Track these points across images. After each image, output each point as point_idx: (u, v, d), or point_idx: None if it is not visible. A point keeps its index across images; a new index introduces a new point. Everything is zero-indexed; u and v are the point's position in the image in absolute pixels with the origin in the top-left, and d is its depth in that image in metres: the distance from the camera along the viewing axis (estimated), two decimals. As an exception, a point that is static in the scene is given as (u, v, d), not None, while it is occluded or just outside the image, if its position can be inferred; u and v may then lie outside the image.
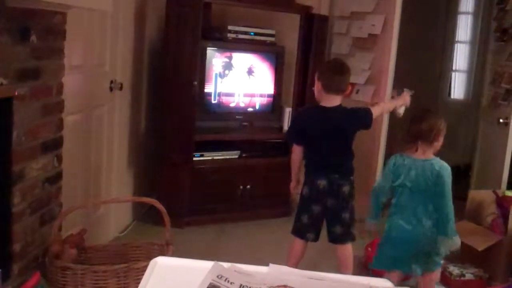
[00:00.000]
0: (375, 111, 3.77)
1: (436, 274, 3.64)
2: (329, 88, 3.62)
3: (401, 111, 3.94)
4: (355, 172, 3.78)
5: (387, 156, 5.38)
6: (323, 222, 3.78)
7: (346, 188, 3.67)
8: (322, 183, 3.65)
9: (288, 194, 5.04)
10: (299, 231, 3.79)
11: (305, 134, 3.73)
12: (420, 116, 3.49)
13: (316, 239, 3.79)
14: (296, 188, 3.97)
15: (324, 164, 3.70)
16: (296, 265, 3.66)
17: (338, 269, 3.73)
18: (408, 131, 3.46)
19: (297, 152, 3.83)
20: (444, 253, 3.46)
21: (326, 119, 3.66)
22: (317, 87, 3.68)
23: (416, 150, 3.40)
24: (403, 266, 3.48)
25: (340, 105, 3.66)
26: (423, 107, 3.87)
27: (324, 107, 3.66)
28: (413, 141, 3.41)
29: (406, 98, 3.95)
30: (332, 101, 3.63)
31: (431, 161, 3.37)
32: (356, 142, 3.76)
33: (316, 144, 3.70)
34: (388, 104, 3.92)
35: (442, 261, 3.59)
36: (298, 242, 3.80)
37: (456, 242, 3.39)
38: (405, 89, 4.01)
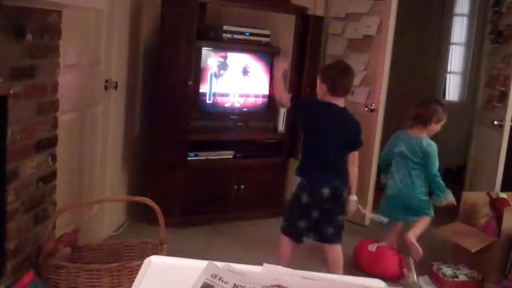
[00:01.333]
0: (356, 162, 3.77)
1: (428, 220, 4.34)
2: (335, 91, 3.62)
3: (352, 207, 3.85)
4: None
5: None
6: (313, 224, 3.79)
7: (345, 194, 3.70)
8: (326, 191, 3.64)
9: (282, 194, 5.06)
10: (295, 235, 3.78)
11: (307, 117, 3.79)
12: (422, 103, 4.45)
13: (308, 237, 3.82)
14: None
15: (327, 171, 3.69)
16: (287, 265, 3.65)
17: (328, 270, 3.73)
18: (411, 113, 4.32)
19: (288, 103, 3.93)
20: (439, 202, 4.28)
21: (333, 119, 3.69)
22: (321, 89, 3.67)
23: (413, 129, 4.28)
24: (397, 216, 4.34)
25: (346, 109, 3.69)
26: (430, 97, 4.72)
27: (333, 104, 3.66)
28: (413, 121, 4.28)
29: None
30: (337, 102, 3.64)
31: (421, 139, 4.23)
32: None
33: (316, 143, 3.69)
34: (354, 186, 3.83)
35: (431, 212, 4.34)
36: (290, 243, 3.80)
37: (447, 197, 4.23)
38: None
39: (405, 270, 4.13)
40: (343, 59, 5.36)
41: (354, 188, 3.78)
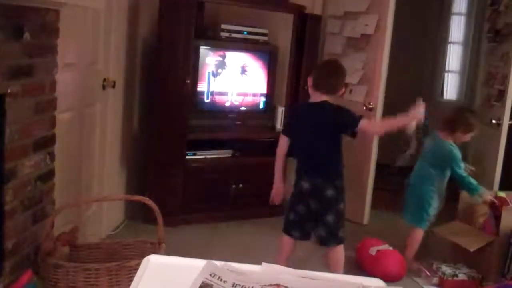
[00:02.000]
0: (374, 125, 3.70)
1: (419, 234, 4.41)
2: (316, 87, 3.64)
3: (412, 127, 3.80)
4: (348, 174, 3.75)
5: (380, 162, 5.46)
6: (309, 222, 3.78)
7: (329, 192, 3.62)
8: (305, 185, 3.65)
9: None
10: (286, 228, 3.81)
11: (293, 128, 3.78)
12: (457, 109, 4.72)
13: (302, 238, 3.80)
14: (279, 195, 3.92)
15: (307, 166, 3.70)
16: (284, 262, 3.65)
17: (328, 270, 3.73)
18: (445, 116, 4.46)
19: (281, 144, 3.82)
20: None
21: (310, 114, 3.69)
22: (309, 83, 3.71)
23: (443, 132, 4.34)
24: (406, 210, 4.50)
25: (326, 101, 3.63)
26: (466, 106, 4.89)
27: (311, 103, 3.69)
28: (443, 125, 4.35)
29: (417, 113, 3.64)
30: (319, 98, 3.64)
31: (444, 143, 4.30)
32: (348, 148, 3.75)
33: (301, 141, 3.72)
34: (397, 120, 3.69)
35: (427, 223, 4.39)
36: (286, 239, 3.81)
37: (481, 194, 4.25)
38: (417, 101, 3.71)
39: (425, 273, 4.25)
40: (341, 57, 5.36)
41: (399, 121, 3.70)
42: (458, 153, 4.26)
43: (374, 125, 3.77)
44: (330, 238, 3.72)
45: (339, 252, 3.77)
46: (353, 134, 3.66)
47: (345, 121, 3.63)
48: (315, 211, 3.68)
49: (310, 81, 3.69)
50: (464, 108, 5.12)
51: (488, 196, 4.27)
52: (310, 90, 3.70)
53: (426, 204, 4.34)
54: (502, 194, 4.37)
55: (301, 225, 3.76)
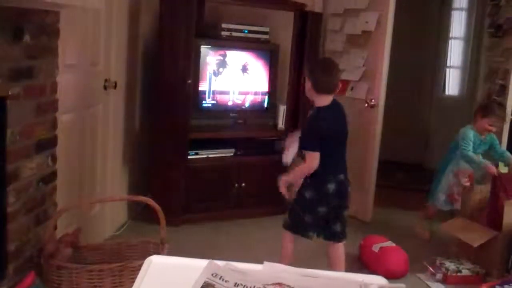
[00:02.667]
0: None
1: (429, 209, 5.05)
2: (319, 89, 3.61)
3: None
4: (351, 171, 3.76)
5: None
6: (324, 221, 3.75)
7: (349, 188, 3.68)
8: (331, 187, 3.59)
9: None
10: (301, 229, 3.70)
11: (322, 138, 3.60)
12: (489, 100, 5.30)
13: (318, 236, 3.76)
14: (288, 189, 3.77)
15: (335, 166, 3.65)
16: (288, 262, 3.62)
17: (330, 268, 3.71)
18: None
19: (317, 159, 3.56)
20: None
21: (335, 116, 3.66)
22: (307, 86, 3.67)
23: None
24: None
25: (337, 102, 3.65)
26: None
27: (329, 106, 3.63)
28: None
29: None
30: (326, 100, 3.61)
31: (466, 127, 4.72)
32: (352, 145, 3.77)
33: (328, 147, 3.62)
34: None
35: (434, 201, 4.95)
36: (289, 239, 3.75)
37: (482, 167, 4.53)
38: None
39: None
40: (342, 55, 5.37)
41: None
42: (470, 135, 4.62)
43: None
44: (342, 234, 3.72)
45: (342, 248, 3.76)
46: None
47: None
48: (335, 207, 3.65)
49: (309, 84, 3.63)
50: (493, 100, 5.36)
51: (492, 168, 4.44)
52: (312, 92, 3.63)
53: (434, 183, 4.97)
54: (504, 169, 4.41)
55: (319, 225, 3.72)
